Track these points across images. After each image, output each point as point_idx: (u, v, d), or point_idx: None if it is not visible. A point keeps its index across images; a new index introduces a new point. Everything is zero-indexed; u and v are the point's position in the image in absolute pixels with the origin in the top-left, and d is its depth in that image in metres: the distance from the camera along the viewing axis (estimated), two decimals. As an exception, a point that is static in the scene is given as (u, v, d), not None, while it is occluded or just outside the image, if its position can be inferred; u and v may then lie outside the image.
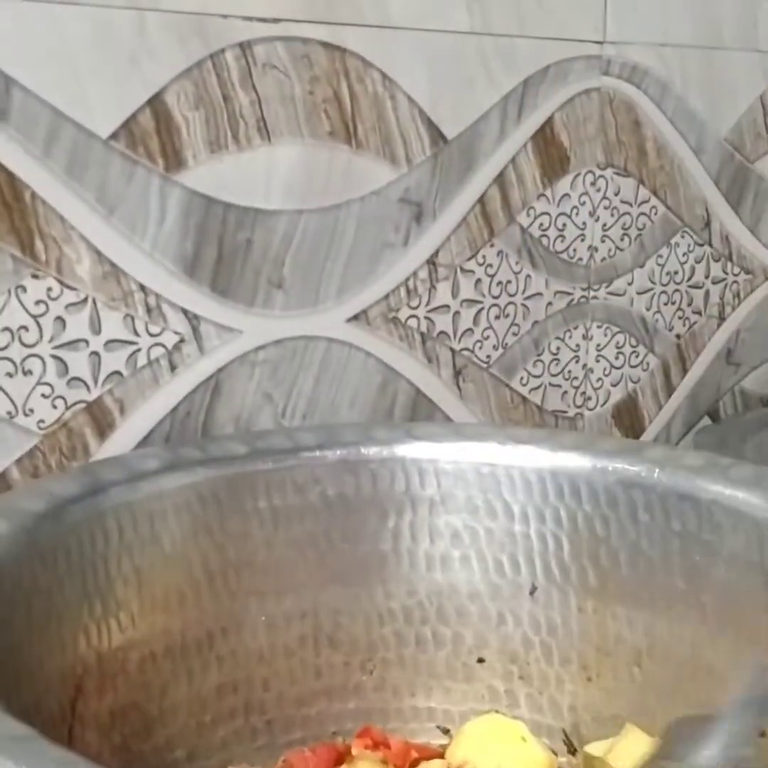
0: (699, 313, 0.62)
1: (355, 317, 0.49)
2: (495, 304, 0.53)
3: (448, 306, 0.52)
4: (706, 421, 0.63)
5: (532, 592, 0.39)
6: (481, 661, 0.40)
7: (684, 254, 0.60)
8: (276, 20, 0.44)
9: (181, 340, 0.44)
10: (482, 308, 0.53)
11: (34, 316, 0.40)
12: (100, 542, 0.34)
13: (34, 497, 0.33)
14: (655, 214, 0.58)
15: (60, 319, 0.41)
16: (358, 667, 0.40)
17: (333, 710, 0.39)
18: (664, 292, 0.60)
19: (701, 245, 0.61)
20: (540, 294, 0.55)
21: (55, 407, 0.41)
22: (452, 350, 0.52)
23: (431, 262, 0.51)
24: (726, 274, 0.62)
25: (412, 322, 0.51)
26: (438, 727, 0.40)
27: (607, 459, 0.38)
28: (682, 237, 0.60)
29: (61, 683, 0.31)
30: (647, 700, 0.37)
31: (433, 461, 0.40)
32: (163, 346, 0.44)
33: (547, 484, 0.39)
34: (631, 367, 0.59)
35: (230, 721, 0.37)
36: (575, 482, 0.39)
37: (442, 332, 0.52)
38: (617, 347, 0.59)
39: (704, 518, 0.36)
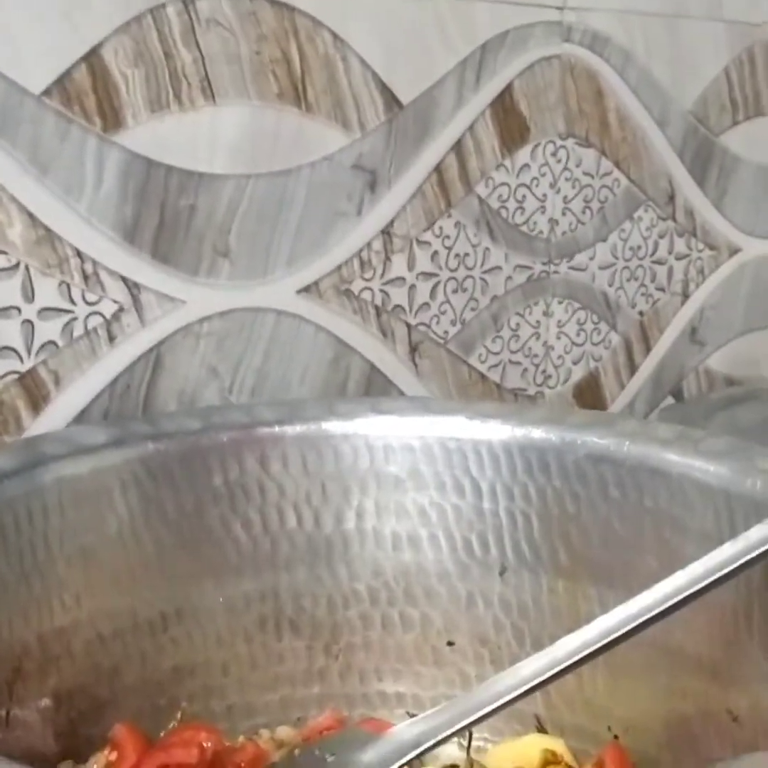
0: (662, 290, 0.63)
1: (306, 289, 0.49)
2: (452, 278, 0.53)
3: (403, 278, 0.52)
4: (669, 400, 0.65)
5: (502, 573, 0.39)
6: (451, 644, 0.40)
7: (647, 229, 0.61)
8: (221, -26, 0.44)
9: (121, 310, 0.44)
10: (439, 281, 0.53)
11: (-38, 282, 0.39)
12: (39, 519, 0.34)
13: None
14: (618, 186, 0.59)
15: (-10, 285, 0.40)
16: (322, 651, 0.40)
17: (297, 696, 0.39)
18: (626, 267, 0.61)
19: (665, 220, 0.62)
20: (499, 268, 0.55)
21: (-15, 379, 0.40)
22: (408, 325, 0.52)
23: (386, 232, 0.51)
24: (690, 250, 0.64)
25: (366, 295, 0.50)
26: (408, 713, 0.40)
27: (576, 432, 0.39)
28: (646, 211, 0.61)
29: (-4, 664, 0.31)
30: (621, 683, 0.38)
31: (398, 437, 0.40)
32: (102, 315, 0.43)
33: (516, 459, 0.39)
34: (593, 344, 0.60)
35: (188, 705, 0.37)
36: (544, 457, 0.39)
37: (397, 306, 0.52)
38: (579, 324, 0.59)
39: (675, 493, 0.37)
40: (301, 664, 0.39)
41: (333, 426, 0.40)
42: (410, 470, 0.40)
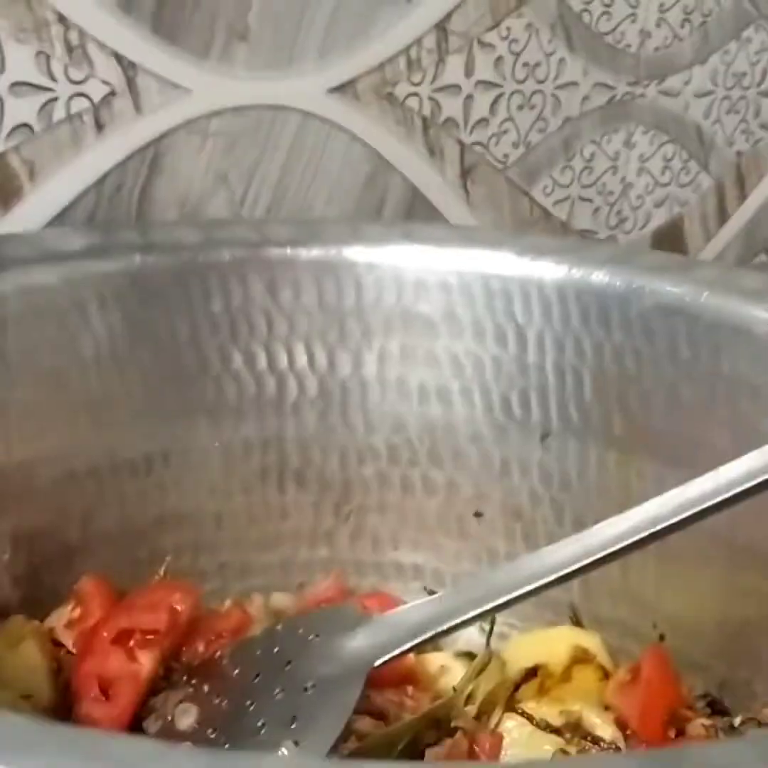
0: (766, 128, 0.56)
1: (340, 88, 0.42)
2: (518, 91, 0.47)
3: (458, 86, 0.45)
4: (762, 258, 0.59)
5: (544, 438, 0.35)
6: (478, 514, 0.36)
7: (756, 53, 0.54)
8: None
9: (112, 93, 0.38)
10: (502, 94, 0.46)
11: None
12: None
13: None
14: (726, -3, 0.51)
15: (-48, 47, 0.35)
16: (331, 509, 0.36)
17: (300, 558, 0.36)
18: (727, 97, 0.54)
19: (777, 43, 0.54)
20: (575, 84, 0.48)
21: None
22: (461, 143, 0.46)
23: (441, 27, 0.44)
24: (803, 82, 0.56)
25: (413, 103, 0.44)
26: (425, 588, 0.36)
27: (645, 277, 0.33)
28: (756, 31, 0.53)
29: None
30: (672, 574, 0.34)
31: (433, 271, 0.35)
32: (88, 97, 0.38)
33: (570, 305, 0.34)
34: (680, 185, 0.54)
35: (173, 560, 0.34)
36: (604, 305, 0.34)
37: (449, 119, 0.45)
38: (665, 160, 0.53)
39: (759, 357, 0.32)
40: (307, 523, 0.36)
41: (356, 252, 0.35)
42: (444, 312, 0.35)
